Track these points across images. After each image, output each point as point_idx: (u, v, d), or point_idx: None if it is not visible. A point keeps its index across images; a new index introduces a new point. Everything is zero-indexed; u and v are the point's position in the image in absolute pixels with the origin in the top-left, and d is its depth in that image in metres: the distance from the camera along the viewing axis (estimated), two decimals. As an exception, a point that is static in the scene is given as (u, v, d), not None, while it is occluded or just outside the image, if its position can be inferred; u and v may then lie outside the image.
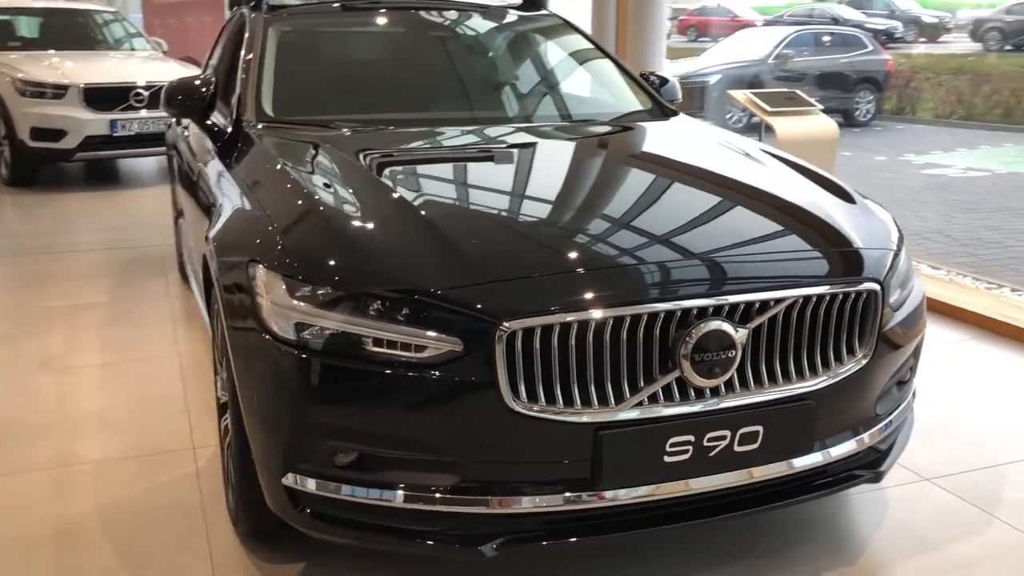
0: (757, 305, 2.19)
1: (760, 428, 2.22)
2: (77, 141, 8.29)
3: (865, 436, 2.45)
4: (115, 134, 8.50)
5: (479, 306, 2.06)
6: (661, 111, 3.70)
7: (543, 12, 4.26)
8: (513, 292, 2.09)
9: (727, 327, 2.14)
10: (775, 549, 2.64)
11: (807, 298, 2.24)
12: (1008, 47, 26.37)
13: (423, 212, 2.45)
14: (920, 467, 3.09)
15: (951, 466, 3.12)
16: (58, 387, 3.88)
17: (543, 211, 2.58)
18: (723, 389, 2.18)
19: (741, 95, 4.75)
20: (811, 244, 2.41)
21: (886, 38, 23.96)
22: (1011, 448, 3.25)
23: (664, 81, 4.04)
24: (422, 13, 4.08)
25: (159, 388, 3.85)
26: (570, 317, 2.06)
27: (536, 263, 2.20)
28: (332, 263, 2.22)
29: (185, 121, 4.47)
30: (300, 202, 2.54)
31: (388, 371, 2.09)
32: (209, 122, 3.48)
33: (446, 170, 2.96)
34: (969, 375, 3.97)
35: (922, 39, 29.35)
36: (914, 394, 2.76)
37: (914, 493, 2.96)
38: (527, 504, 2.13)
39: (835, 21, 26.30)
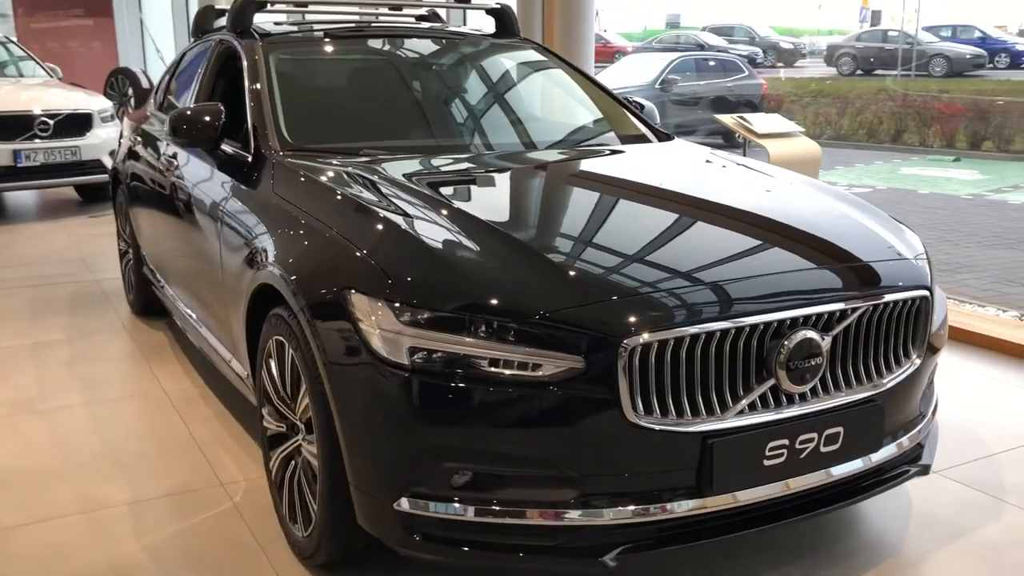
0: (837, 314, 2.35)
1: (841, 429, 2.38)
2: (-24, 173, 7.87)
3: (915, 431, 2.65)
4: (19, 164, 8.10)
5: (602, 323, 2.15)
6: (655, 135, 3.86)
7: (517, 39, 4.36)
8: (632, 309, 2.18)
9: (815, 336, 2.29)
10: (821, 547, 2.80)
11: (875, 306, 2.42)
12: (859, 71, 28.23)
13: (512, 234, 2.50)
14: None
15: (951, 459, 3.37)
16: (50, 430, 3.70)
17: (625, 229, 2.67)
18: (809, 395, 2.33)
19: (729, 119, 5.00)
20: (871, 257, 2.60)
21: (750, 64, 25.26)
22: (998, 439, 3.55)
23: (641, 106, 4.21)
24: (415, 41, 4.14)
25: (158, 426, 3.73)
26: (687, 331, 2.17)
27: (645, 281, 2.30)
28: (442, 286, 2.25)
29: (155, 152, 4.35)
30: (382, 228, 2.55)
31: (507, 390, 2.15)
32: (221, 151, 3.42)
33: (512, 194, 3.03)
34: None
35: (780, 64, 31.04)
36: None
37: (926, 485, 3.19)
38: (643, 513, 2.22)
39: (700, 47, 27.52)
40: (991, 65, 27.19)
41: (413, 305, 2.21)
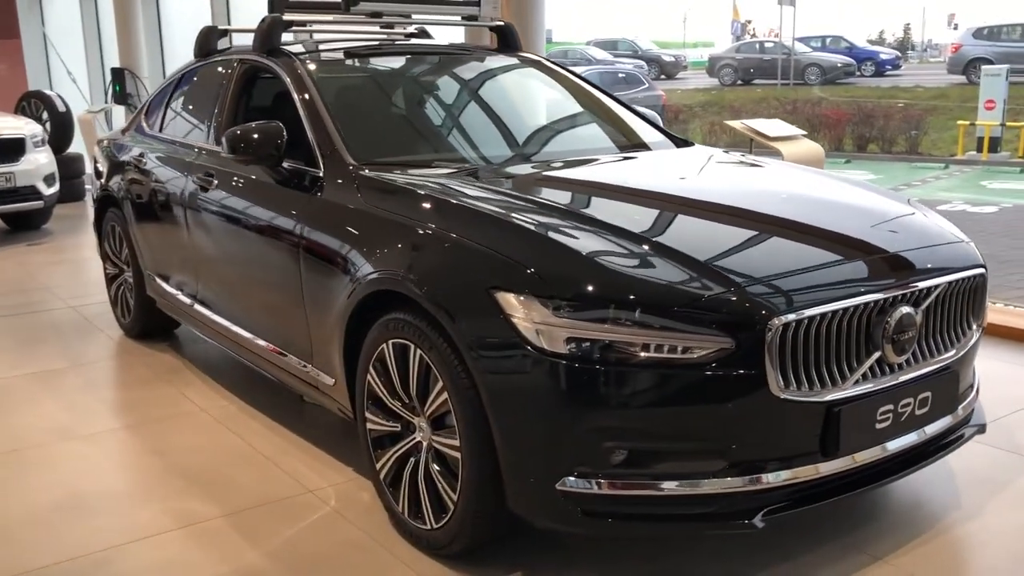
0: (925, 290, 2.65)
1: (930, 394, 2.68)
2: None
3: (972, 396, 2.98)
4: (-50, 193, 7.80)
5: (749, 306, 2.37)
6: (672, 141, 4.12)
7: (522, 54, 4.56)
8: (774, 292, 2.42)
9: (912, 311, 2.58)
10: (892, 511, 3.10)
11: (952, 282, 2.74)
12: (740, 81, 29.54)
13: (634, 231, 2.69)
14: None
15: (967, 424, 3.73)
16: (105, 453, 3.68)
17: (734, 221, 2.90)
18: (905, 365, 2.62)
19: (739, 125, 5.31)
20: (941, 240, 2.91)
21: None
22: (1000, 403, 3.93)
23: (642, 116, 4.47)
24: (449, 56, 4.30)
25: (214, 442, 3.75)
26: (820, 310, 2.42)
27: (775, 268, 2.53)
28: (589, 280, 2.42)
29: (177, 171, 4.34)
30: (511, 230, 2.68)
31: (661, 372, 2.34)
32: (282, 168, 3.48)
33: (611, 195, 3.21)
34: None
35: (663, 76, 32.17)
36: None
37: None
38: (784, 476, 2.44)
39: (588, 61, 28.29)
40: (859, 73, 28.94)
41: (566, 299, 2.38)
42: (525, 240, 2.63)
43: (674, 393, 2.37)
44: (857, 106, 18.92)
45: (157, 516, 3.13)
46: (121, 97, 10.74)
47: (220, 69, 4.38)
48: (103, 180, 5.28)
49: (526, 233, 2.65)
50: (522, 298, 2.43)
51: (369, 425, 3.00)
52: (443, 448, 2.69)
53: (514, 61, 4.42)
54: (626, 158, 3.74)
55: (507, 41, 4.59)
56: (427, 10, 4.51)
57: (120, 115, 11.12)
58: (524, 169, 3.50)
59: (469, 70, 4.31)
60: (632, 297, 2.38)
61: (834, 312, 2.45)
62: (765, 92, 24.73)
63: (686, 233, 2.78)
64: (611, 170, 3.56)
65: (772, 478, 2.44)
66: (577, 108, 4.32)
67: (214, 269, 4.09)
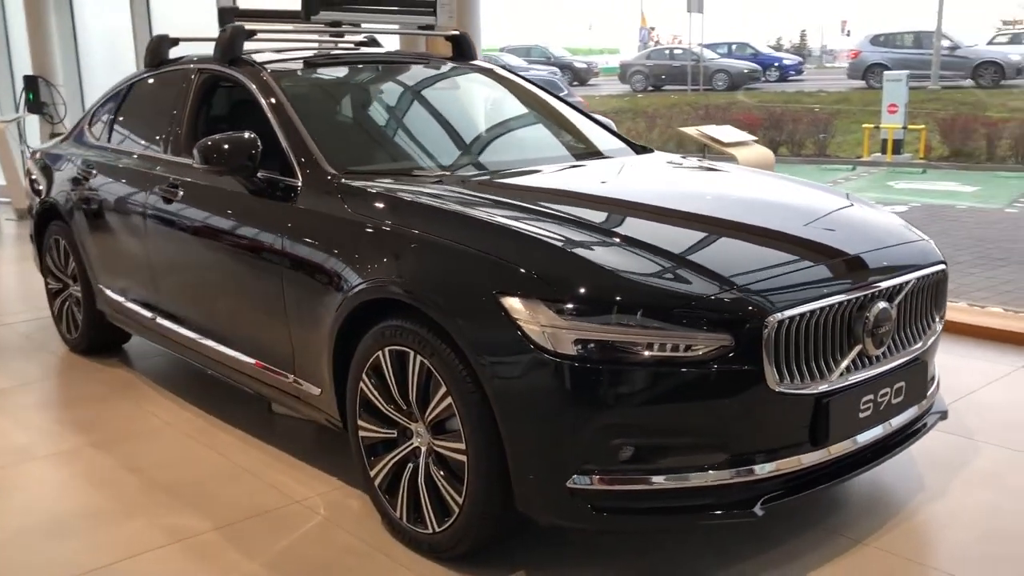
0: (897, 287, 2.82)
1: (903, 383, 2.85)
2: None
3: (935, 385, 3.17)
4: None
5: (747, 305, 2.49)
6: (632, 148, 4.24)
7: (475, 63, 4.63)
8: (769, 291, 2.54)
9: (888, 306, 2.74)
10: (863, 496, 3.26)
11: (920, 278, 2.91)
12: (651, 88, 30.14)
13: (629, 234, 2.78)
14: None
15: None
16: (75, 472, 3.59)
17: (720, 226, 3.00)
18: (882, 357, 2.78)
19: (694, 131, 5.44)
20: (905, 239, 3.09)
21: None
22: (947, 393, 4.16)
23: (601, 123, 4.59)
24: (412, 66, 4.33)
25: (190, 457, 3.70)
26: (812, 306, 2.55)
27: (768, 269, 2.66)
28: (593, 282, 2.50)
29: (137, 182, 4.26)
30: (510, 234, 2.73)
31: (666, 370, 2.44)
32: (257, 179, 3.46)
33: (600, 200, 3.29)
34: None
35: (576, 82, 32.58)
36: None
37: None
38: (779, 466, 2.57)
39: (502, 68, 28.44)
40: (764, 78, 29.88)
41: (572, 302, 2.45)
42: (527, 246, 2.69)
43: (678, 390, 2.47)
44: (767, 110, 19.54)
45: (145, 532, 3.09)
46: (35, 106, 10.37)
47: (177, 78, 4.32)
48: (43, 192, 5.14)
49: (527, 239, 2.71)
50: (528, 302, 2.49)
51: (362, 433, 3.02)
52: (445, 452, 2.74)
53: (479, 69, 4.49)
54: (601, 164, 3.85)
55: (462, 50, 4.65)
56: (386, 19, 4.55)
57: (34, 125, 10.74)
58: (509, 176, 3.55)
59: (433, 78, 4.36)
60: (636, 298, 2.48)
61: (821, 309, 2.59)
62: (678, 98, 25.31)
63: (677, 237, 2.87)
64: (591, 176, 3.66)
65: (769, 468, 2.56)
66: (537, 115, 4.40)
67: (180, 281, 4.03)
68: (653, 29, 48.21)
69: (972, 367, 4.53)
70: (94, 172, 4.64)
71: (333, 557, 2.91)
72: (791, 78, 30.90)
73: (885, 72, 17.83)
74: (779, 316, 2.49)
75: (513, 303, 2.51)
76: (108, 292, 4.62)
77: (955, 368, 4.55)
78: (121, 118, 4.75)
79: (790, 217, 3.13)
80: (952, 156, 15.87)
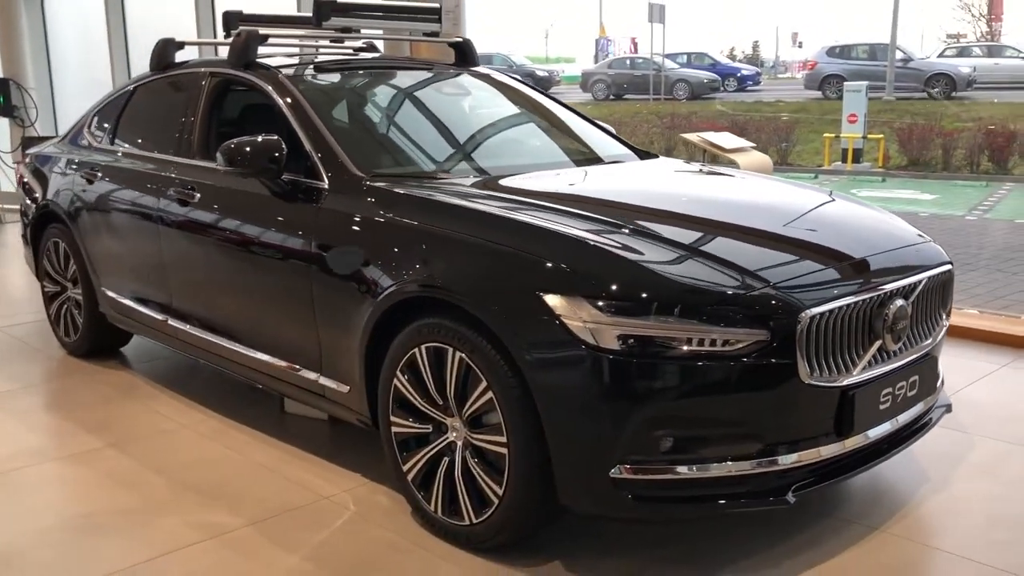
0: (912, 285, 2.97)
1: (917, 377, 3.00)
2: None
3: (941, 380, 3.33)
4: None
5: (783, 301, 2.61)
6: (636, 153, 4.37)
7: (482, 69, 4.73)
8: (802, 288, 2.67)
9: (904, 303, 2.89)
10: (872, 487, 3.41)
11: (931, 277, 3.07)
12: (612, 96, 30.43)
13: (663, 233, 2.89)
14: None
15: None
16: (97, 473, 3.60)
17: (748, 228, 3.11)
18: (899, 351, 2.92)
19: (696, 138, 5.58)
20: (915, 240, 3.25)
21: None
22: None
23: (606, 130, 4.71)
24: (425, 71, 4.41)
25: (209, 456, 3.73)
26: (841, 303, 2.69)
27: (799, 267, 2.78)
28: (636, 280, 2.61)
29: (148, 185, 4.28)
30: (549, 234, 2.82)
31: (706, 364, 2.55)
32: (281, 181, 3.51)
33: (617, 202, 3.40)
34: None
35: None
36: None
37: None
38: (810, 456, 2.69)
39: (510, 75, 28.56)
40: (723, 88, 30.34)
41: (615, 299, 2.56)
42: (567, 245, 2.78)
43: (717, 383, 2.58)
44: (730, 119, 19.88)
45: (180, 529, 3.12)
46: (6, 109, 10.25)
47: (187, 82, 4.35)
48: (41, 196, 5.12)
49: (567, 239, 2.80)
50: (570, 299, 2.59)
51: (395, 429, 3.09)
52: (484, 445, 2.82)
53: (486, 75, 4.59)
54: (614, 169, 3.98)
55: (465, 56, 4.74)
56: (394, 26, 4.63)
57: (4, 128, 10.60)
58: (532, 179, 3.64)
59: (447, 84, 4.44)
60: (675, 295, 2.59)
61: (848, 306, 2.73)
62: (641, 107, 25.61)
63: (709, 239, 2.99)
64: (611, 179, 3.80)
65: (798, 457, 2.68)
66: (545, 121, 4.51)
67: (195, 282, 4.05)
68: (610, 41, 48.64)
69: (955, 366, 4.69)
70: (99, 175, 4.65)
71: (373, 551, 2.96)
72: (749, 88, 31.43)
73: (845, 83, 18.24)
74: (811, 312, 2.62)
75: (556, 300, 2.61)
76: (111, 294, 4.62)
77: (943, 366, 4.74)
78: (127, 121, 4.75)
79: (811, 220, 3.28)
80: (910, 165, 16.32)
